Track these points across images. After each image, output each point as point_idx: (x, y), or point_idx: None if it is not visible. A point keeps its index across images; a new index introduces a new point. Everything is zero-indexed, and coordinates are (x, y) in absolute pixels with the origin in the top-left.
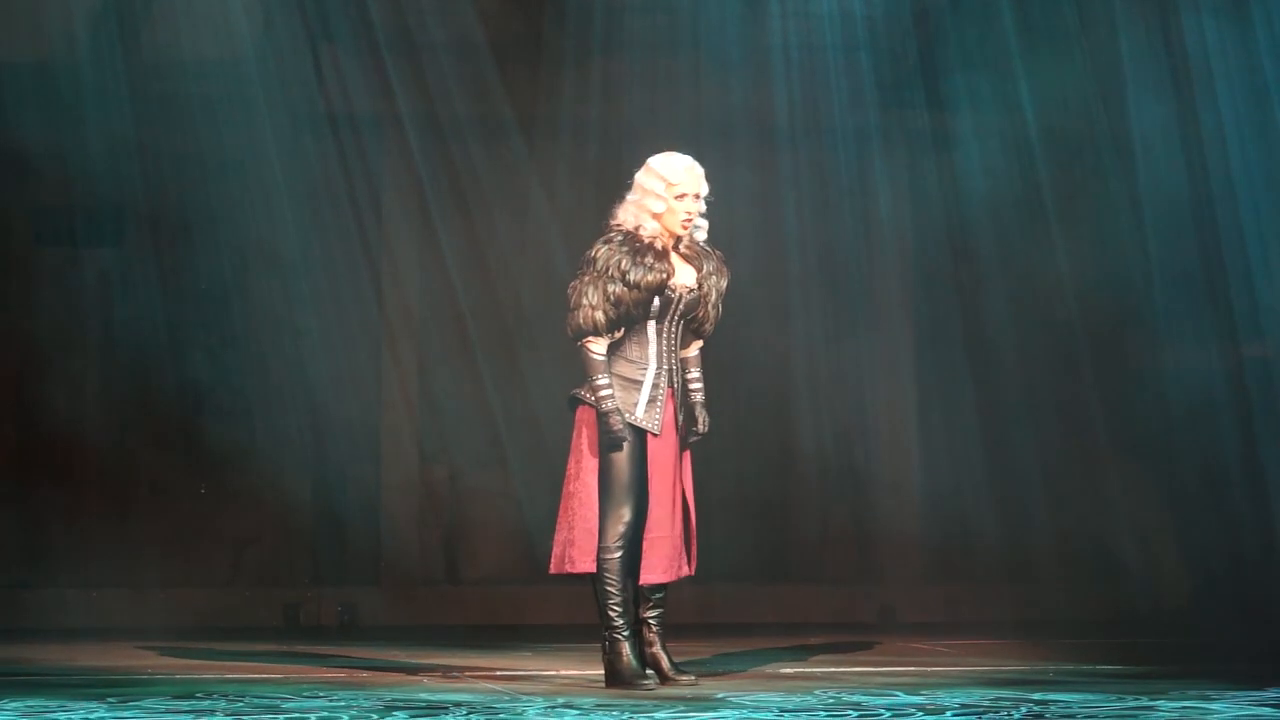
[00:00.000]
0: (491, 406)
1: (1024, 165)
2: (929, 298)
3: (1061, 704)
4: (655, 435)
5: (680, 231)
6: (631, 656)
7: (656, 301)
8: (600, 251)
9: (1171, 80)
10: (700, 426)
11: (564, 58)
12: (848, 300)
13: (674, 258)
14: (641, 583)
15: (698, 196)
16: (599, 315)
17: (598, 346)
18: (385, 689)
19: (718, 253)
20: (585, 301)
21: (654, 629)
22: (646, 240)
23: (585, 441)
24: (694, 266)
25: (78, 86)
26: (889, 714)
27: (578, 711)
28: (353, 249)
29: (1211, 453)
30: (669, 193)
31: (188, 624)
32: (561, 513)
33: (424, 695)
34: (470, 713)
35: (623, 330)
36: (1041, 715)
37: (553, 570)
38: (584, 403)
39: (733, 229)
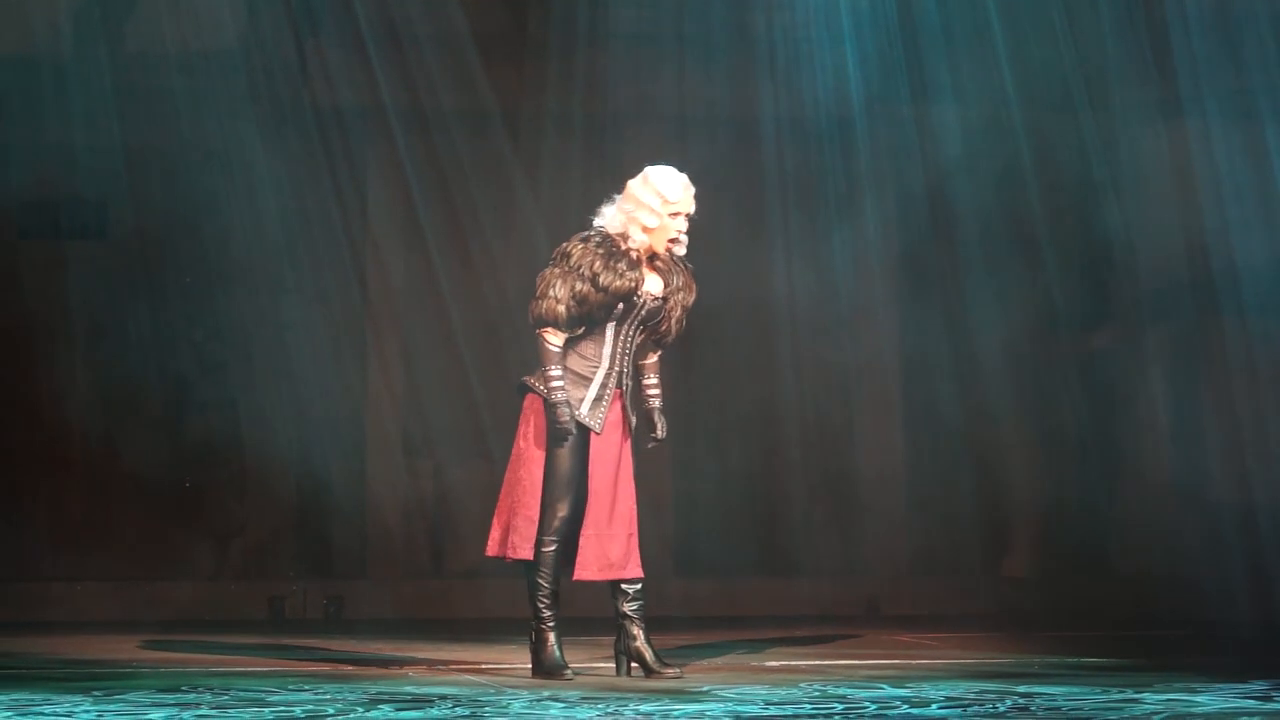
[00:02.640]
0: (476, 399)
1: (1008, 155)
2: (914, 292)
3: (1046, 697)
4: (597, 434)
5: (664, 250)
6: (555, 647)
7: (620, 306)
8: (576, 248)
9: (1156, 68)
10: (659, 432)
11: (548, 50)
12: (833, 295)
13: (645, 268)
14: (574, 579)
15: (688, 216)
16: (561, 309)
17: (554, 338)
18: (370, 682)
19: (689, 268)
20: (551, 293)
21: (636, 623)
22: (624, 248)
23: (531, 429)
24: (664, 279)
25: (62, 79)
26: (874, 707)
27: (563, 704)
28: (338, 242)
29: (1197, 453)
30: (664, 209)
31: (173, 617)
32: (503, 497)
33: (409, 688)
34: (456, 705)
35: (582, 328)
36: (1026, 708)
37: (490, 553)
38: (532, 390)
39: (716, 221)
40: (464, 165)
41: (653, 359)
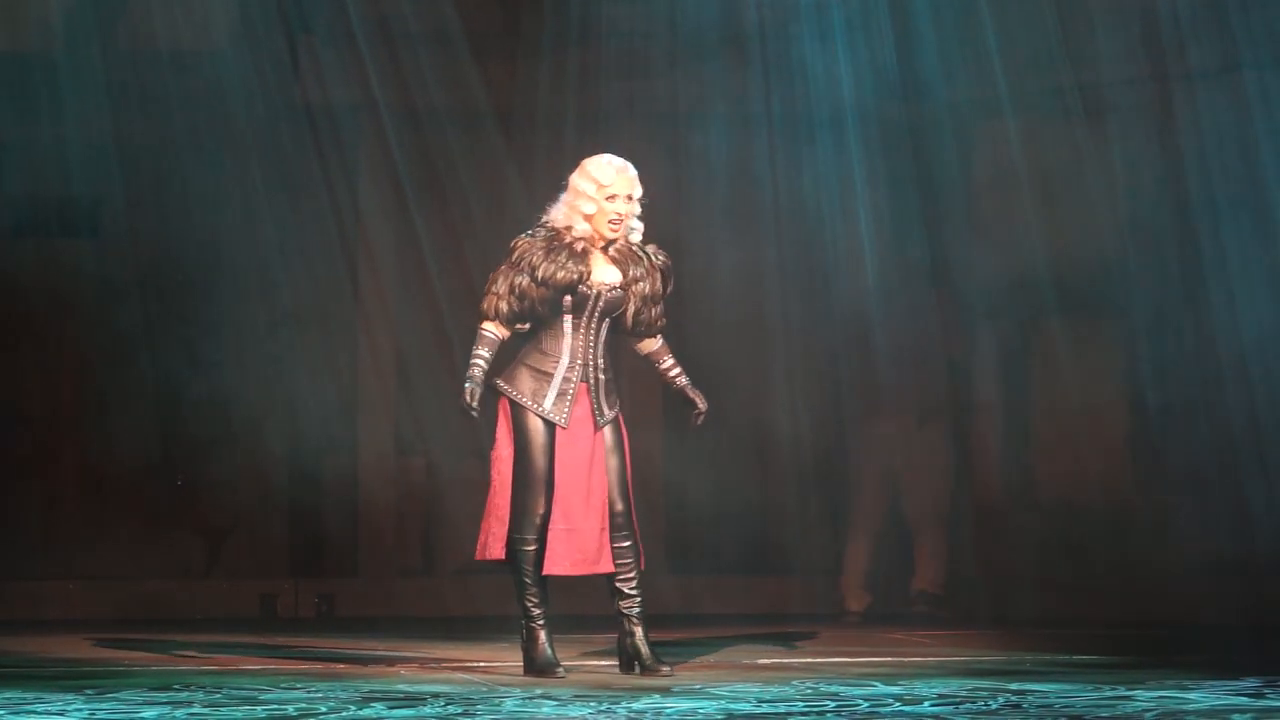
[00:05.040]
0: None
1: (1000, 150)
2: (905, 286)
3: (1039, 694)
4: (563, 428)
5: (609, 233)
6: (547, 645)
7: (569, 299)
8: (521, 243)
9: (1147, 60)
10: (700, 404)
11: (540, 47)
12: (825, 291)
13: (599, 258)
14: (543, 573)
15: (630, 198)
16: (502, 305)
17: (491, 327)
18: (363, 680)
19: (660, 258)
20: (494, 289)
21: (631, 620)
22: (568, 239)
23: (502, 431)
24: (620, 268)
25: (54, 77)
26: (867, 704)
27: (555, 702)
28: (330, 239)
29: (1194, 446)
30: (599, 194)
31: (164, 615)
32: (487, 499)
33: (402, 686)
34: (448, 703)
35: (529, 324)
36: (1019, 705)
37: (477, 556)
38: (502, 393)
39: (708, 218)
40: (456, 162)
41: (654, 345)
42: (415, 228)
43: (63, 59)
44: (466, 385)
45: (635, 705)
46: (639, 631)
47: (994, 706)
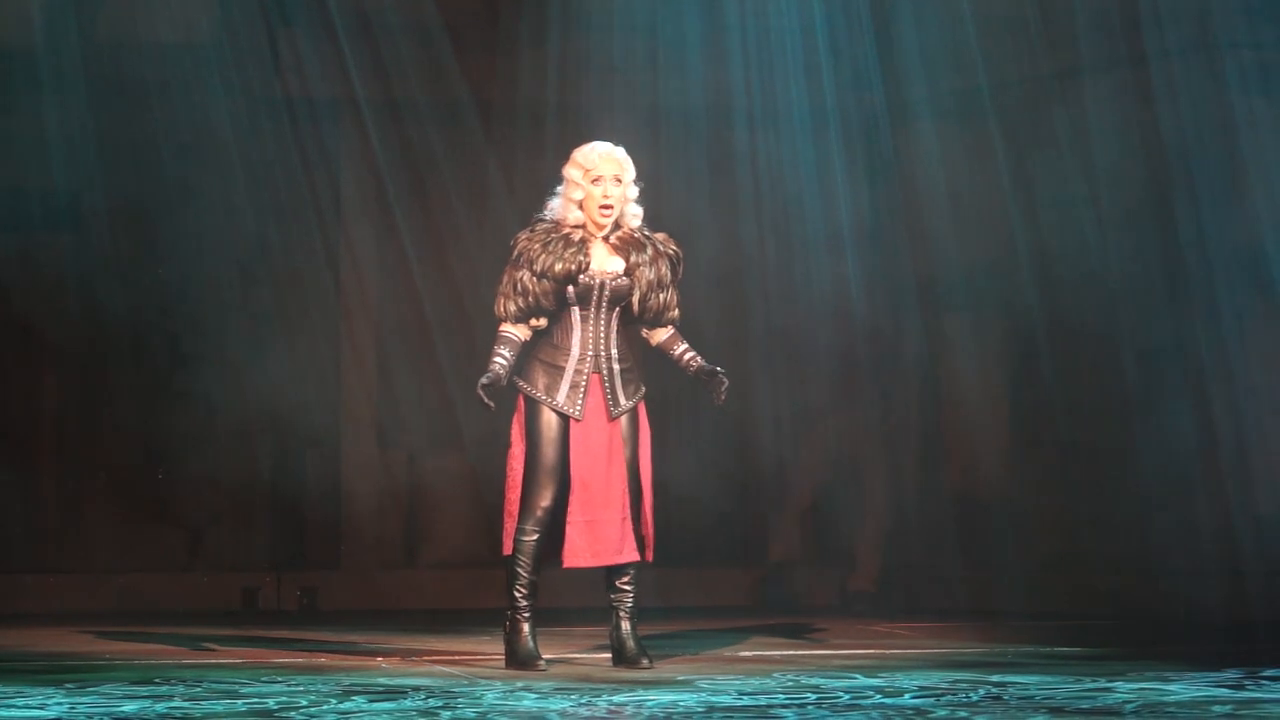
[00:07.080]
0: (449, 389)
1: (981, 145)
2: (887, 278)
3: (1020, 685)
4: (578, 420)
5: (600, 218)
6: (529, 638)
7: (572, 290)
8: (521, 239)
9: (1126, 54)
10: (721, 373)
11: (520, 40)
12: (806, 285)
13: (600, 247)
14: (565, 566)
15: (618, 180)
16: (510, 305)
17: (510, 328)
18: (344, 673)
19: (670, 247)
20: (500, 290)
21: (618, 613)
22: (565, 230)
23: (518, 427)
24: (622, 255)
25: (34, 70)
26: (848, 697)
27: (536, 695)
28: (310, 233)
29: (1172, 447)
30: (585, 179)
31: (146, 608)
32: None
33: (382, 679)
34: (429, 696)
35: (544, 319)
36: (999, 697)
37: (503, 553)
38: (517, 389)
39: (690, 209)
40: (437, 155)
41: (665, 334)
42: (396, 220)
43: (42, 52)
44: (482, 379)
45: (616, 698)
46: (625, 625)
47: (975, 698)
